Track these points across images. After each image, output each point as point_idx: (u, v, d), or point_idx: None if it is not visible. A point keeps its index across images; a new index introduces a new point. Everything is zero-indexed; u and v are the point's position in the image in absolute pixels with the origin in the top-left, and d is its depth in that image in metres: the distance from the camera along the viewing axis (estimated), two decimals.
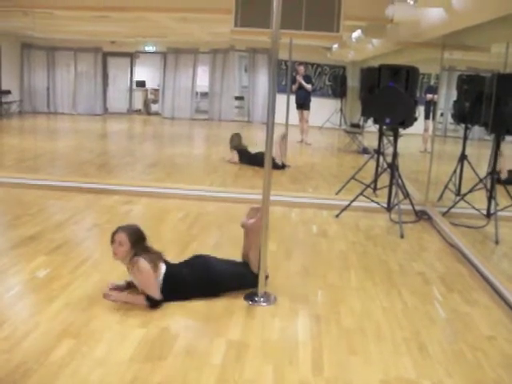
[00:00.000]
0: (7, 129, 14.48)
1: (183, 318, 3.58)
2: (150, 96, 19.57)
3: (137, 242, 3.77)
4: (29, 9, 8.10)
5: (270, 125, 3.68)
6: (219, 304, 3.77)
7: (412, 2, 4.73)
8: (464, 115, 6.70)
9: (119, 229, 3.82)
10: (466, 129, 6.89)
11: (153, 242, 4.98)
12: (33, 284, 3.99)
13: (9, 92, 17.13)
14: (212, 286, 3.88)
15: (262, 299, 3.83)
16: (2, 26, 13.95)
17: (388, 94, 5.92)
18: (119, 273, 4.21)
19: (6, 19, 11.80)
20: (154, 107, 19.17)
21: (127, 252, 3.72)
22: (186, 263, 4.04)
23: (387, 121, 6.07)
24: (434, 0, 4.65)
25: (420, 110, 6.27)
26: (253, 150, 9.42)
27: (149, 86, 19.58)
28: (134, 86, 18.94)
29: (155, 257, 3.80)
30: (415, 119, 6.07)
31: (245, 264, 4.05)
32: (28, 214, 5.79)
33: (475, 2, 4.23)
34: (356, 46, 10.13)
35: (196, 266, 3.96)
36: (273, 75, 3.71)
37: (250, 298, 3.85)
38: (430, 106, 10.15)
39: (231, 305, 3.76)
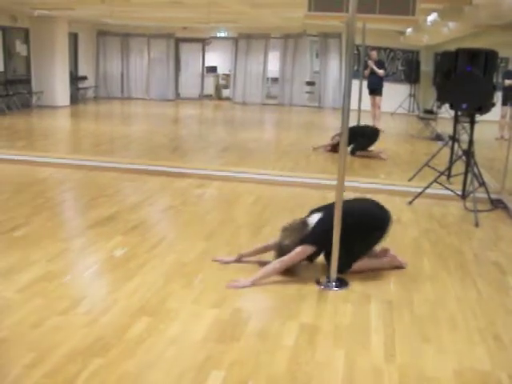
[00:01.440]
0: (83, 113, 14.94)
1: (256, 300, 3.63)
2: (222, 81, 19.74)
3: None
4: None
5: (345, 110, 3.66)
6: (291, 287, 3.80)
7: None
8: None
9: None
10: None
11: (225, 225, 5.12)
12: (110, 263, 4.13)
13: (85, 78, 17.69)
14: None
15: (334, 284, 3.84)
16: (79, 15, 14.39)
17: (465, 79, 5.77)
18: (196, 253, 4.32)
19: (84, 7, 12.16)
20: (225, 92, 19.33)
21: None
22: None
23: (464, 106, 5.92)
24: None
25: (498, 96, 6.09)
26: None
27: (220, 71, 19.75)
28: (206, 72, 19.13)
29: None
30: (493, 105, 5.90)
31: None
32: (104, 196, 5.98)
33: None
34: (431, 30, 9.89)
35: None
36: (349, 60, 3.69)
37: (323, 282, 3.86)
38: (509, 92, 9.84)
39: (303, 288, 3.79)
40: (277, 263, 3.92)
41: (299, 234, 3.95)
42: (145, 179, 6.80)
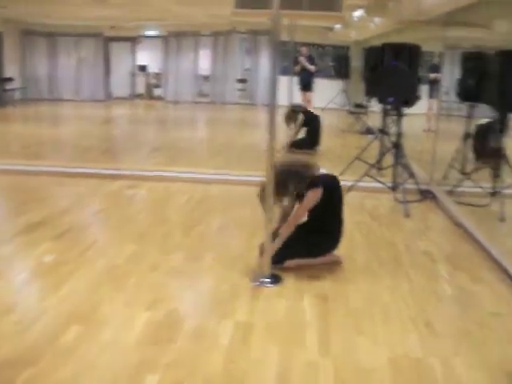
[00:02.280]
0: (11, 116, 14.49)
1: (190, 300, 3.60)
2: (153, 80, 19.52)
3: None
4: None
5: (271, 107, 3.67)
6: (225, 285, 3.78)
7: None
8: (468, 93, 6.65)
9: None
10: (471, 107, 6.85)
11: (157, 225, 5.05)
12: (40, 269, 4.01)
13: (11, 79, 17.12)
14: None
15: (268, 280, 3.84)
16: (2, 13, 13.92)
17: (391, 73, 5.89)
18: (127, 256, 4.24)
19: (6, 5, 11.77)
20: (157, 91, 19.14)
21: None
22: None
23: (391, 100, 6.05)
24: None
25: (424, 89, 6.24)
26: None
27: (151, 70, 19.52)
28: (136, 71, 18.88)
29: None
30: (418, 98, 6.04)
31: None
32: (34, 201, 5.81)
33: None
34: (358, 26, 10.07)
35: None
36: (274, 57, 3.70)
37: (256, 279, 3.86)
38: (434, 85, 10.11)
39: (237, 286, 3.77)
40: (290, 219, 4.06)
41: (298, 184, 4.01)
42: (76, 182, 6.64)
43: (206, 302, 3.59)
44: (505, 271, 4.17)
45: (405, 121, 6.40)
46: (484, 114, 7.49)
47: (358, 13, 8.66)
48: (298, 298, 3.65)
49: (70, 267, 4.02)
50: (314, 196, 3.94)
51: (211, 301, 3.60)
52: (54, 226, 4.98)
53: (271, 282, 3.83)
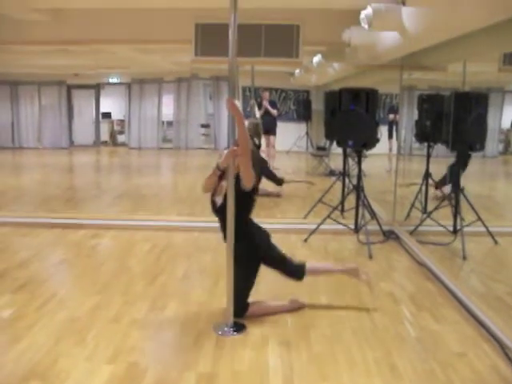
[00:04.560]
0: None
1: (152, 352, 3.53)
2: (116, 127, 19.51)
3: None
4: None
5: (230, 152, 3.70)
6: (188, 336, 3.73)
7: (367, 27, 4.80)
8: (426, 134, 6.81)
9: None
10: (429, 147, 7.00)
11: (120, 275, 4.98)
12: None
13: None
14: None
15: (231, 329, 3.80)
16: None
17: (349, 117, 5.99)
18: (88, 308, 4.17)
19: None
20: (121, 138, 19.13)
21: None
22: None
23: (350, 143, 6.14)
24: (388, 24, 4.73)
25: (382, 131, 6.35)
26: None
27: (114, 117, 19.52)
28: (100, 118, 18.87)
29: None
30: (377, 140, 6.15)
31: None
32: None
33: (427, 25, 4.31)
34: (318, 71, 10.24)
35: None
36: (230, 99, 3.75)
37: (220, 328, 3.82)
38: (393, 126, 10.31)
39: (200, 336, 3.72)
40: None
41: None
42: (37, 233, 6.52)
43: (168, 353, 3.53)
44: (467, 309, 4.20)
45: (367, 161, 6.50)
46: (445, 154, 7.67)
47: (316, 58, 8.83)
48: (261, 345, 3.61)
49: (28, 321, 3.92)
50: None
51: (174, 352, 3.55)
52: (13, 278, 4.86)
53: (234, 331, 3.79)
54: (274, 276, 4.29)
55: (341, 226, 6.52)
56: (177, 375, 3.19)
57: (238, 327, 3.82)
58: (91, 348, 3.52)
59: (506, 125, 10.52)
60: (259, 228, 4.16)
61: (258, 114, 11.81)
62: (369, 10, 4.77)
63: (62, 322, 3.91)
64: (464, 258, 5.64)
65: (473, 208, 5.99)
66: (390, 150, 10.75)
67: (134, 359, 3.38)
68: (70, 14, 6.96)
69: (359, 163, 6.34)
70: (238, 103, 3.63)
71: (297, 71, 13.23)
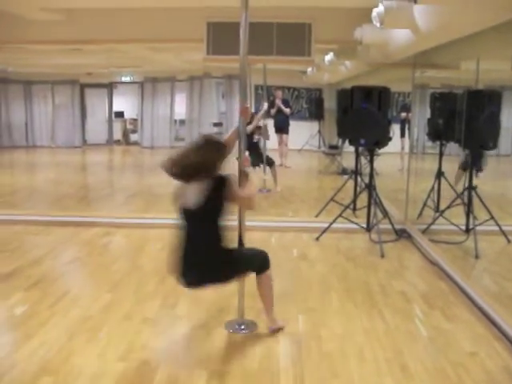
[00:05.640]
0: None
1: (163, 349, 3.55)
2: (129, 126, 19.56)
3: None
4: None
5: (241, 153, 3.73)
6: (199, 333, 3.75)
7: (378, 25, 4.79)
8: (438, 132, 6.77)
9: None
10: (441, 145, 6.96)
11: (132, 273, 5.01)
12: (10, 322, 3.94)
13: None
14: None
15: (242, 327, 3.81)
16: None
17: (361, 116, 5.97)
18: (100, 306, 4.19)
19: None
20: (133, 137, 19.16)
21: None
22: None
23: (362, 142, 6.12)
24: (400, 22, 4.72)
25: (394, 129, 6.32)
26: None
27: (127, 116, 19.58)
28: (113, 117, 18.93)
29: None
30: (389, 139, 6.12)
31: None
32: (5, 251, 5.73)
33: (439, 23, 4.29)
34: (330, 69, 10.22)
35: None
36: (242, 101, 3.76)
37: (231, 326, 3.83)
38: (405, 124, 10.26)
39: (211, 333, 3.74)
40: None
41: None
42: (49, 231, 6.57)
43: (179, 351, 3.55)
44: (479, 309, 4.18)
45: (380, 160, 6.47)
46: (457, 152, 7.63)
47: (328, 57, 8.81)
48: (272, 343, 3.62)
49: (41, 318, 3.95)
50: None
51: (185, 349, 3.56)
52: (27, 276, 4.90)
53: (246, 329, 3.80)
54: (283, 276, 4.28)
55: (353, 225, 6.51)
56: (188, 373, 3.20)
57: (249, 325, 3.83)
58: (103, 345, 3.54)
59: None
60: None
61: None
62: (380, 8, 4.75)
63: (75, 320, 3.94)
64: (476, 256, 5.61)
65: (485, 207, 5.95)
66: (403, 148, 10.69)
67: (146, 356, 3.40)
68: (82, 14, 7.00)
69: (371, 162, 6.32)
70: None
71: (309, 69, 13.21)
